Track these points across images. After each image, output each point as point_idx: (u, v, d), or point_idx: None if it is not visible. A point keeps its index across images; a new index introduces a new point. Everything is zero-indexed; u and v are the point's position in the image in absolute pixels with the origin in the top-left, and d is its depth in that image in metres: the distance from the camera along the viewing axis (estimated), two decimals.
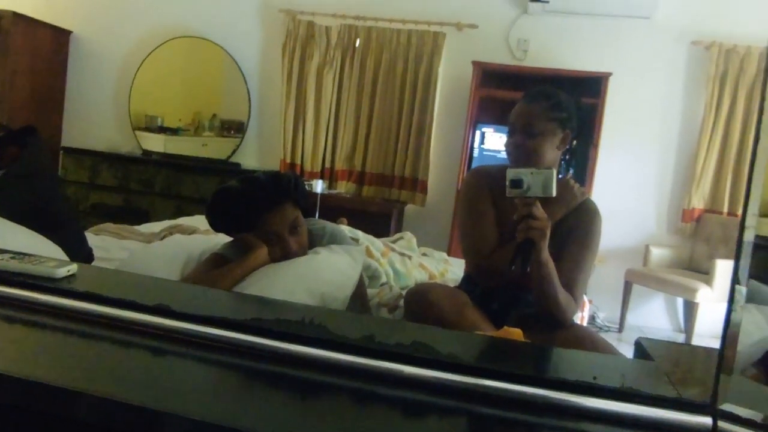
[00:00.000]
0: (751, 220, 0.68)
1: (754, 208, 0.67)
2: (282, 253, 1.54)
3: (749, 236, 0.67)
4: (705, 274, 3.94)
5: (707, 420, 0.61)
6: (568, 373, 0.70)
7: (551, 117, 1.64)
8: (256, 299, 0.96)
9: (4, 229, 1.41)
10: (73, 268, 0.90)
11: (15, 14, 4.67)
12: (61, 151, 4.90)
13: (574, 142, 1.71)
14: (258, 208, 1.53)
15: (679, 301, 4.35)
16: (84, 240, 1.84)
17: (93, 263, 1.87)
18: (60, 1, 5.18)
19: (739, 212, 0.69)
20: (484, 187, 1.73)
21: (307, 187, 4.50)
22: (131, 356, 0.74)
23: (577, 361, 0.77)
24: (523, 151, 1.64)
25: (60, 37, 5.15)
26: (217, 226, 1.62)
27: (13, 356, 0.69)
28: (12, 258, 0.89)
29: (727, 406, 0.62)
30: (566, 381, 0.64)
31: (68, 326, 0.78)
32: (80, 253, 1.74)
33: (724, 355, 0.65)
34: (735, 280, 0.67)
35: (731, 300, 0.66)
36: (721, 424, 0.60)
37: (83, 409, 0.61)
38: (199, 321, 0.75)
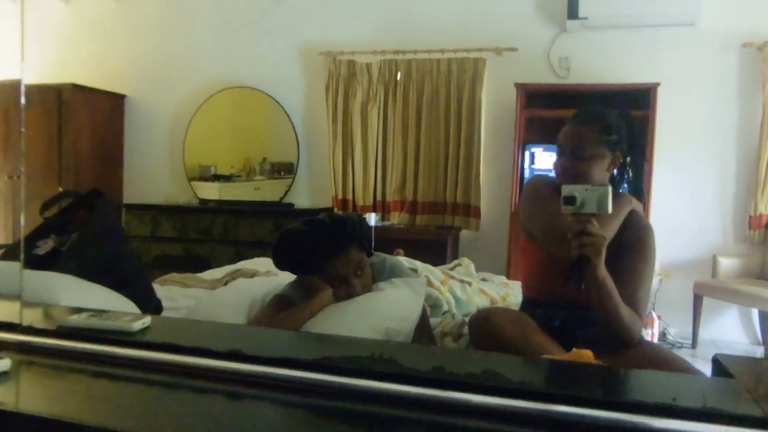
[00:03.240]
0: None
1: None
2: (347, 295, 1.55)
3: None
4: None
5: None
6: (645, 394, 0.68)
7: (600, 140, 1.62)
8: (323, 338, 0.98)
9: (82, 288, 1.49)
10: (147, 320, 0.93)
11: (74, 86, 4.98)
12: (123, 208, 5.11)
13: (628, 159, 1.69)
14: (324, 253, 1.55)
15: (755, 312, 4.15)
16: (153, 292, 1.90)
17: (162, 313, 1.93)
18: (114, 69, 5.47)
19: None
20: (547, 186, 1.73)
21: None
22: (209, 402, 0.76)
23: (653, 381, 0.75)
24: (571, 174, 1.63)
25: (116, 101, 5.43)
26: (281, 266, 1.65)
27: (99, 409, 0.73)
28: (92, 316, 0.94)
29: None
30: (644, 403, 0.62)
31: (148, 377, 0.82)
32: (150, 304, 1.81)
33: None
34: None
35: None
36: None
37: None
38: (272, 363, 0.77)
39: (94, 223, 1.71)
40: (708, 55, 4.21)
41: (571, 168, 1.63)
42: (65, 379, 0.82)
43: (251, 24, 5.16)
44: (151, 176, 5.47)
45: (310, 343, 0.93)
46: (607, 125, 1.63)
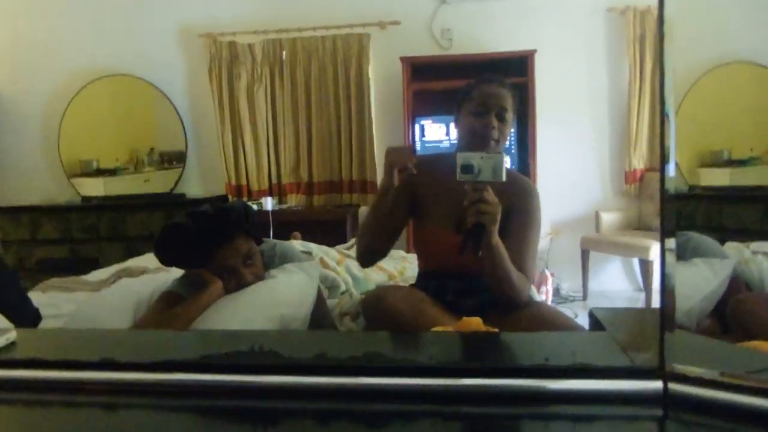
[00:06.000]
0: (670, 172, 0.70)
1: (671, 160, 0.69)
2: (237, 286, 1.51)
3: (669, 188, 0.68)
4: (655, 231, 4.05)
5: (658, 384, 0.61)
6: (522, 357, 0.70)
7: (514, 102, 1.67)
8: (202, 335, 0.94)
9: None
10: (12, 335, 0.86)
11: None
12: None
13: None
14: (209, 245, 1.49)
15: (635, 261, 4.47)
16: (28, 301, 1.77)
17: (42, 322, 1.80)
18: None
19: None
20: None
21: (256, 206, 4.33)
22: (83, 417, 0.72)
23: (531, 343, 0.78)
24: (494, 133, 1.62)
25: None
26: (167, 262, 1.58)
27: None
28: None
29: (677, 367, 0.62)
30: (518, 367, 0.64)
31: (13, 397, 0.75)
32: (26, 315, 1.68)
33: (664, 314, 0.65)
34: (663, 234, 0.68)
35: (663, 255, 0.67)
36: (671, 386, 0.60)
37: None
38: (147, 368, 0.73)
39: None
40: (578, 20, 4.43)
41: (495, 127, 1.62)
42: None
43: (124, 5, 4.85)
44: (25, 175, 5.05)
45: (188, 343, 0.89)
46: (511, 87, 1.69)
